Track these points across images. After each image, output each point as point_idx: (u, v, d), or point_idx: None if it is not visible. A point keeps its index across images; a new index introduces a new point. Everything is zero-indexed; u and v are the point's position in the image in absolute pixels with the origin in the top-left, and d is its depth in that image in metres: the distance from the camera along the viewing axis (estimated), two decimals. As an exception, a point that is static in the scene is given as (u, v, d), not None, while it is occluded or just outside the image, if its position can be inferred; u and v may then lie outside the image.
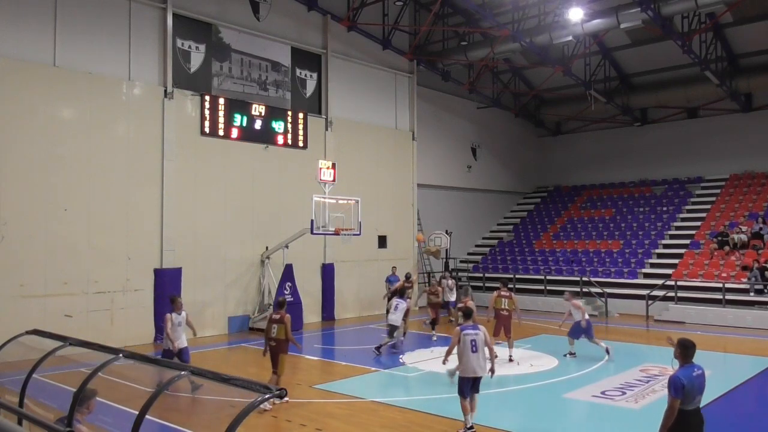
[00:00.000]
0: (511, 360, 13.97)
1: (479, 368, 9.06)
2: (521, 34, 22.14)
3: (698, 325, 19.71)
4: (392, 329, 15.43)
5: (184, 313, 11.63)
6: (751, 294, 20.15)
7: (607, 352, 14.28)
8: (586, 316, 14.66)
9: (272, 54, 20.49)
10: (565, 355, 14.65)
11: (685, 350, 6.34)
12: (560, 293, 23.85)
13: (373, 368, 13.74)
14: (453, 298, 20.10)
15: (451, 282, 20.55)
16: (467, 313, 9.50)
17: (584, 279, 23.83)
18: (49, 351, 6.95)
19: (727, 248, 22.67)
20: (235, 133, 19.10)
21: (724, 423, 10.13)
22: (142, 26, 17.29)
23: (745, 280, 20.52)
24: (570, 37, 22.47)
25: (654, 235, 26.02)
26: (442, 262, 26.04)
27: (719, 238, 23.16)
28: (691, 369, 6.25)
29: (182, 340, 11.53)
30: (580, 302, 15.37)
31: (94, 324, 15.59)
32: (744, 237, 22.59)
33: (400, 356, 14.92)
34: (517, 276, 25.64)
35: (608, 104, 27.88)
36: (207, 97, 18.49)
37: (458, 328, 9.34)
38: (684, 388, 6.06)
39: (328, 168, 17.59)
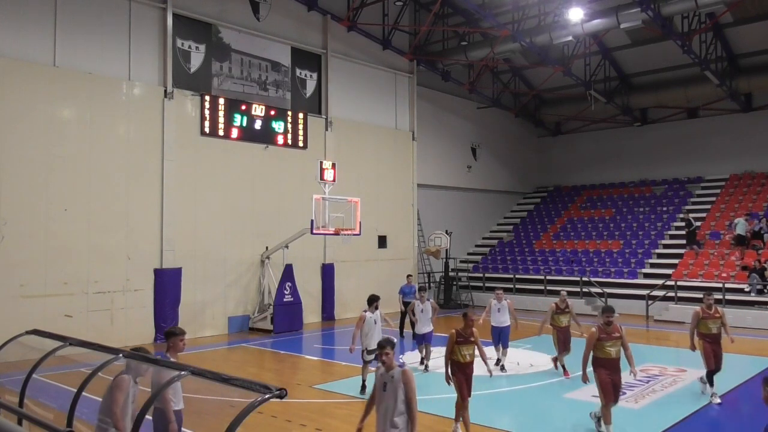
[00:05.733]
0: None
1: None
2: (521, 34, 22.13)
3: (698, 325, 19.68)
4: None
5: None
6: (752, 294, 20.16)
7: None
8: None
9: (272, 54, 20.48)
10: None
11: None
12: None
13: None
14: (429, 328, 13.57)
15: (428, 304, 13.81)
16: None
17: (584, 279, 23.82)
18: (49, 351, 6.95)
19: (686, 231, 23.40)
20: (235, 133, 19.09)
21: (724, 424, 10.14)
22: (142, 26, 17.29)
23: (747, 286, 20.50)
24: (570, 37, 22.46)
25: (654, 235, 26.02)
26: (442, 262, 26.04)
27: (687, 228, 23.60)
28: None
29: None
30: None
31: (94, 324, 15.59)
32: (744, 234, 22.56)
33: (400, 356, 14.91)
34: (517, 276, 25.63)
35: (608, 104, 27.87)
36: (207, 97, 18.48)
37: None
38: None
39: (328, 168, 17.59)
